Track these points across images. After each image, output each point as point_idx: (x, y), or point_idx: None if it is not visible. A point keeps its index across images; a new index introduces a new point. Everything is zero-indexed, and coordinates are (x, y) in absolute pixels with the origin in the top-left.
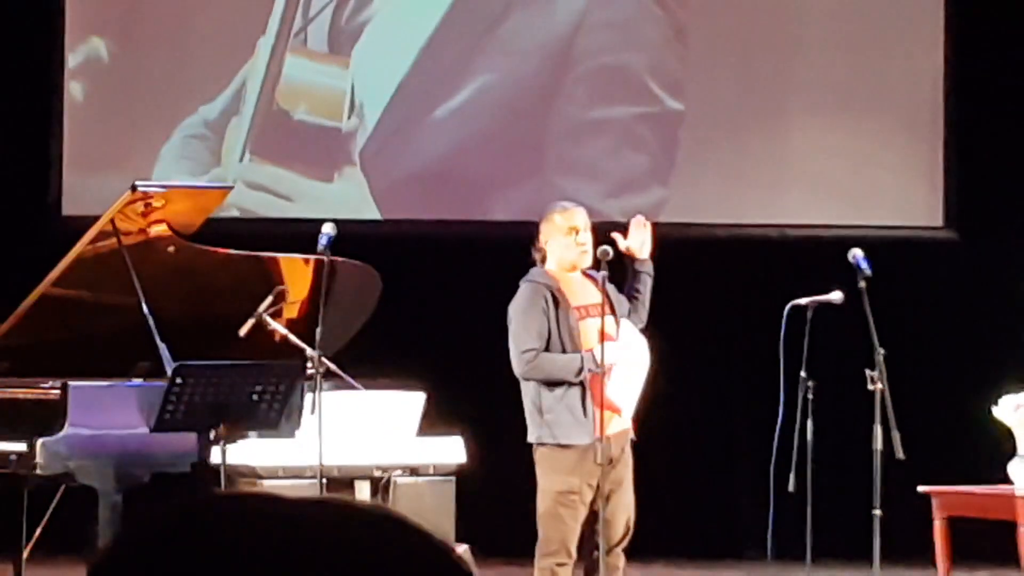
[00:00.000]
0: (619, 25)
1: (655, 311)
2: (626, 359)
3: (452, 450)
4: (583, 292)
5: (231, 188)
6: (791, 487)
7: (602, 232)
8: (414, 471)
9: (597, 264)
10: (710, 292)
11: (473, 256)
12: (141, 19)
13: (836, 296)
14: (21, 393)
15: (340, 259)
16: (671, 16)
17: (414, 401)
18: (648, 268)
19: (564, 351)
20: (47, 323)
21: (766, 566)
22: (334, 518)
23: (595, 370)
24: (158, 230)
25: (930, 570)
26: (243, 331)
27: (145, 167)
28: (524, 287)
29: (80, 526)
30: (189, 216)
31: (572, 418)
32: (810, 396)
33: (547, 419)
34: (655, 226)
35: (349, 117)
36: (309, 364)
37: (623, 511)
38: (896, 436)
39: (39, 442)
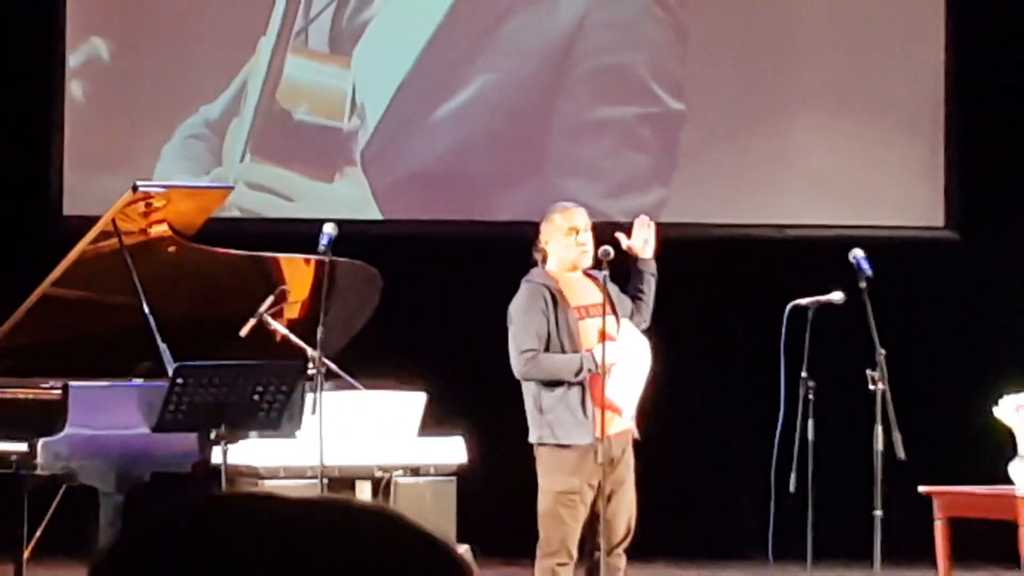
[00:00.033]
0: (620, 25)
1: (656, 311)
2: (626, 359)
3: (453, 450)
4: (584, 292)
5: (232, 188)
6: (792, 487)
7: (603, 232)
8: (415, 471)
9: (598, 264)
10: (711, 292)
11: (474, 256)
12: (142, 19)
13: (837, 296)
14: (22, 393)
15: (341, 259)
16: (672, 16)
17: (415, 401)
18: (651, 268)
19: (564, 351)
20: (48, 323)
21: (767, 566)
22: (335, 518)
23: (594, 370)
24: (159, 230)
25: (931, 571)
26: (244, 331)
27: (146, 167)
28: (524, 287)
29: (81, 526)
30: (190, 216)
31: (572, 418)
32: (811, 396)
33: (548, 419)
34: (657, 226)
35: (350, 117)
36: (310, 364)
37: (624, 512)
38: (897, 436)
39: (40, 442)
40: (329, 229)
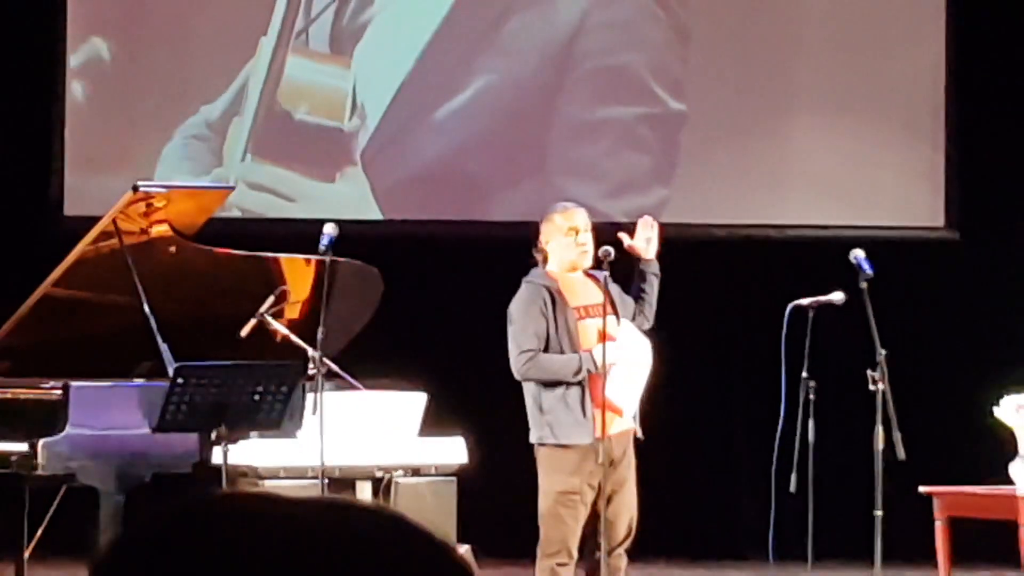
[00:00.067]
0: (620, 26)
1: (657, 312)
2: (626, 359)
3: (453, 450)
4: (584, 292)
5: (233, 188)
6: (792, 487)
7: (603, 232)
8: (415, 471)
9: (599, 264)
10: (711, 293)
11: (474, 256)
12: (142, 19)
13: (837, 296)
14: (23, 393)
15: (342, 259)
16: (672, 17)
17: (415, 401)
18: (654, 268)
19: (563, 352)
20: (49, 323)
21: (767, 566)
22: (335, 518)
23: (594, 370)
24: (160, 230)
25: (931, 571)
26: (245, 331)
27: (147, 167)
28: (523, 288)
29: (81, 526)
30: (191, 216)
31: (573, 418)
32: (811, 396)
33: (548, 419)
34: (660, 226)
35: (351, 117)
36: (310, 364)
37: (625, 512)
38: (897, 437)
39: (40, 442)
40: (330, 229)
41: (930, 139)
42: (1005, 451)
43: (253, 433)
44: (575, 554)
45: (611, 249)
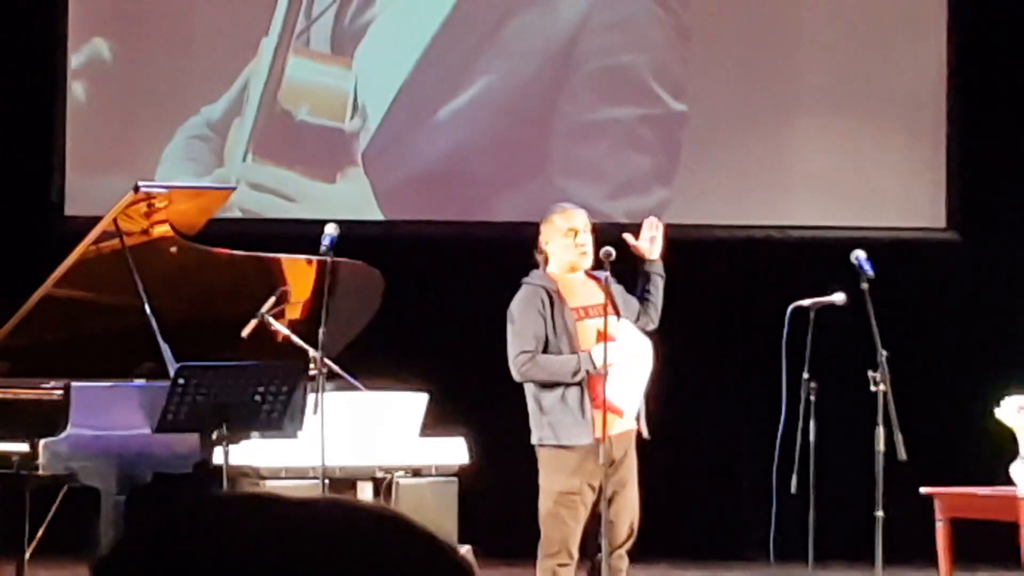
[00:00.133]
0: (621, 26)
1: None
2: (626, 359)
3: (454, 451)
4: (584, 293)
5: (234, 189)
6: (793, 488)
7: (606, 233)
8: (417, 472)
9: (600, 265)
10: (712, 293)
11: (475, 257)
12: (144, 20)
13: (839, 297)
14: (24, 393)
15: (343, 260)
16: (674, 17)
17: (417, 402)
18: (658, 269)
19: (562, 352)
20: (50, 323)
21: (768, 567)
22: (337, 518)
23: (592, 371)
24: (161, 231)
25: (932, 572)
26: (246, 332)
27: (148, 167)
28: (522, 289)
29: (82, 527)
30: (192, 217)
31: (573, 419)
32: (812, 397)
33: (548, 420)
34: (664, 226)
35: (352, 118)
36: (311, 365)
37: (627, 513)
38: (898, 437)
39: (42, 443)
40: (331, 230)
41: (931, 140)
42: (1006, 452)
43: (254, 433)
44: (575, 554)
45: (612, 250)
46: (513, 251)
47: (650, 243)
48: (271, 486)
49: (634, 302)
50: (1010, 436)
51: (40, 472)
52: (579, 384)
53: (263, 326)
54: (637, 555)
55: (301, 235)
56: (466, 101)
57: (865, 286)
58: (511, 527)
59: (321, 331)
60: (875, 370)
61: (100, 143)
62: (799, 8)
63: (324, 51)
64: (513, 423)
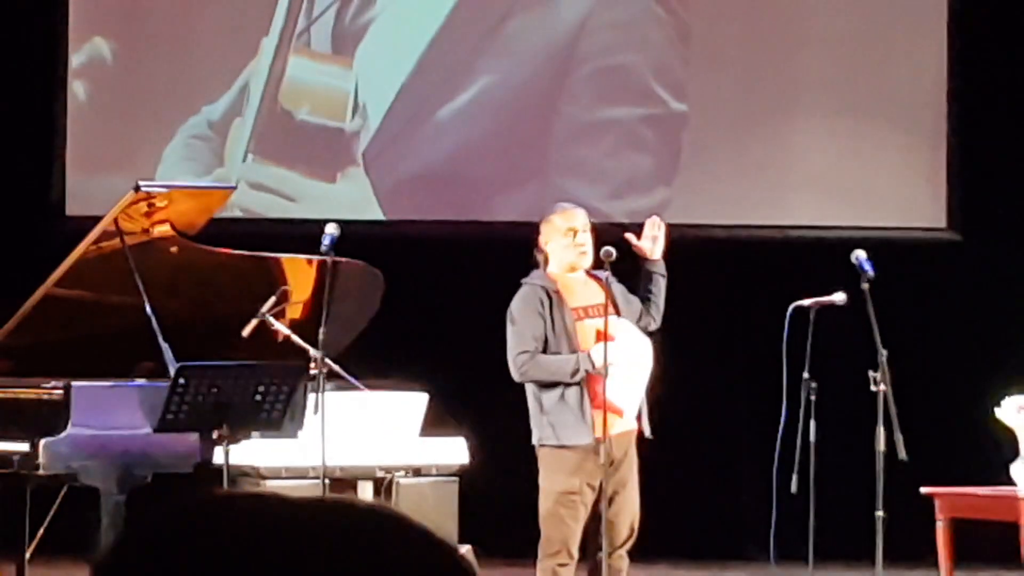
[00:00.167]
0: (622, 26)
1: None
2: (626, 359)
3: (455, 451)
4: (585, 293)
5: (234, 188)
6: (794, 488)
7: (607, 233)
8: (417, 472)
9: (601, 265)
10: (713, 293)
11: (476, 257)
12: (144, 19)
13: (839, 297)
14: (24, 393)
15: (343, 259)
16: (674, 17)
17: (417, 402)
18: (660, 268)
19: (561, 353)
20: (50, 323)
21: (768, 567)
22: (337, 518)
23: (591, 370)
24: (161, 230)
25: (932, 572)
26: (246, 331)
27: (148, 167)
28: (521, 290)
29: (83, 527)
30: (192, 216)
31: (573, 419)
32: (813, 397)
33: (549, 420)
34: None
35: (352, 118)
36: (312, 365)
37: (627, 513)
38: (899, 437)
39: (42, 442)
40: (331, 229)
41: (931, 140)
42: (1006, 452)
43: (255, 433)
44: (575, 554)
45: (612, 249)
46: (513, 251)
47: (652, 243)
48: (271, 486)
49: (636, 302)
50: (1010, 436)
51: (40, 472)
52: (578, 384)
53: (263, 326)
54: (637, 555)
55: (301, 235)
56: (467, 101)
57: (865, 286)
58: (511, 527)
59: (321, 331)
60: (875, 370)
61: (100, 143)
62: (799, 8)
63: (325, 51)
64: (513, 423)
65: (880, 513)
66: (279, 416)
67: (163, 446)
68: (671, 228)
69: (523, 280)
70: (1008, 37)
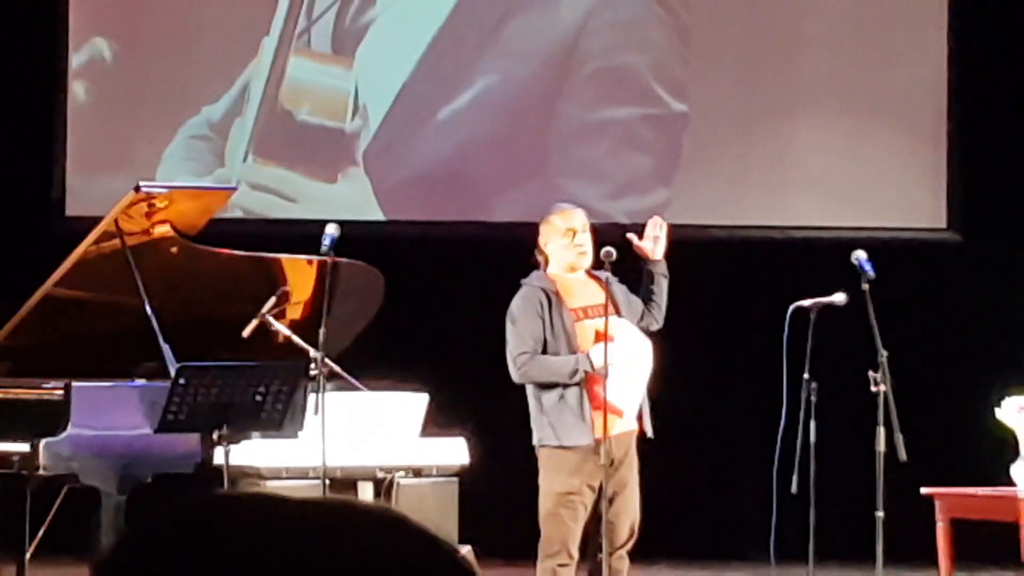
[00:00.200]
0: (622, 26)
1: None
2: (625, 360)
3: (455, 451)
4: (585, 293)
5: (235, 189)
6: (794, 489)
7: (608, 233)
8: (417, 472)
9: (601, 265)
10: (713, 294)
11: (476, 257)
12: (145, 19)
13: (839, 298)
14: (24, 393)
15: (343, 260)
16: (675, 18)
17: (417, 402)
18: (662, 269)
19: (560, 354)
20: (50, 324)
21: (769, 568)
22: (337, 519)
23: (590, 371)
24: (161, 231)
25: (933, 572)
26: (246, 332)
27: (149, 168)
28: (520, 291)
29: (83, 527)
30: (193, 217)
31: (573, 419)
32: (813, 398)
33: (549, 420)
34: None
35: (352, 118)
36: (312, 365)
37: (627, 514)
38: (899, 438)
39: (42, 443)
40: (331, 230)
41: (932, 140)
42: (1007, 452)
43: (255, 434)
44: (575, 554)
45: (612, 250)
46: (513, 251)
47: (654, 243)
48: (272, 486)
49: (637, 302)
50: (1010, 437)
51: (41, 472)
52: (578, 384)
53: (264, 326)
54: (637, 555)
55: (302, 235)
56: (467, 101)
57: (866, 286)
58: (511, 527)
59: (322, 331)
60: (875, 370)
61: (101, 143)
62: (799, 8)
63: (325, 51)
64: (513, 423)
65: (880, 513)
66: (279, 416)
67: (163, 446)
68: (671, 228)
69: (523, 281)
70: (1008, 37)
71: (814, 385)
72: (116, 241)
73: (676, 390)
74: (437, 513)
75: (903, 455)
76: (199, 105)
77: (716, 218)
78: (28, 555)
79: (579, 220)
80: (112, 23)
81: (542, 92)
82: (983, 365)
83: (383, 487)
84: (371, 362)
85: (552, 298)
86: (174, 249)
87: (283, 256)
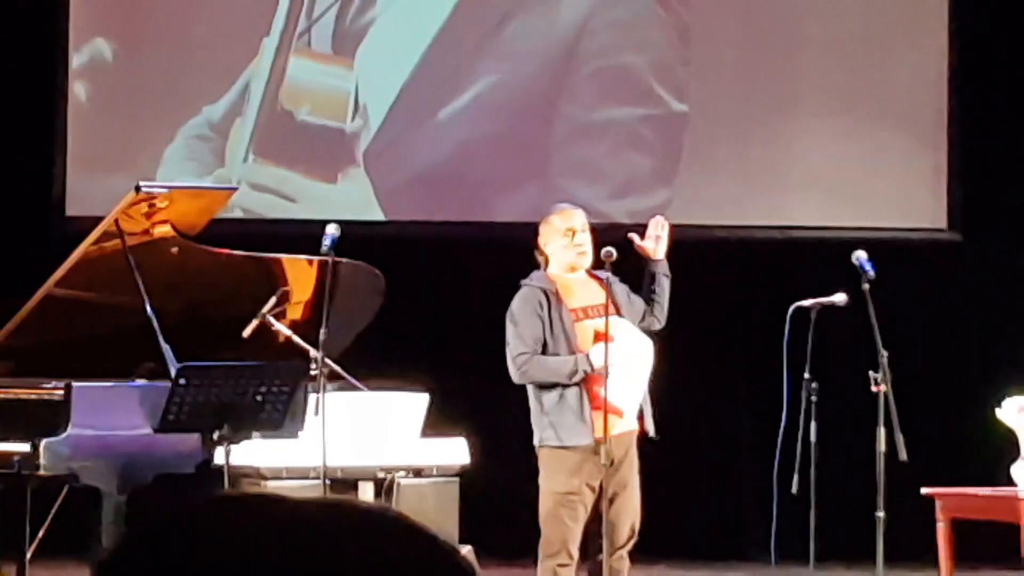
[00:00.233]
0: (623, 27)
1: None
2: (626, 359)
3: (455, 451)
4: (585, 293)
5: (235, 189)
6: (794, 489)
7: (609, 233)
8: (418, 472)
9: (601, 265)
10: (714, 294)
11: (477, 257)
12: (145, 20)
13: (840, 298)
14: (25, 394)
15: (344, 260)
16: (675, 18)
17: (418, 402)
18: (663, 268)
19: (560, 354)
20: (51, 324)
21: (769, 567)
22: (338, 519)
23: (590, 371)
24: (162, 231)
25: (933, 572)
26: (247, 332)
27: (149, 168)
28: (520, 291)
29: (84, 527)
30: (193, 217)
31: (573, 419)
32: (813, 398)
33: (549, 420)
34: (670, 226)
35: (353, 118)
36: (313, 365)
37: (627, 515)
38: (899, 438)
39: (43, 443)
40: (332, 230)
41: (932, 140)
42: (1007, 453)
43: (255, 434)
44: (576, 555)
45: (612, 250)
46: (513, 251)
47: (656, 242)
48: (272, 486)
49: (639, 302)
50: (1011, 437)
51: (41, 472)
52: (578, 384)
53: (264, 326)
54: (637, 555)
55: (302, 235)
56: (467, 101)
57: (866, 287)
58: (511, 527)
59: (322, 331)
60: (876, 370)
61: (101, 143)
62: (799, 8)
63: (325, 51)
64: (513, 423)
65: (880, 513)
66: (280, 416)
67: (164, 447)
68: (672, 229)
69: (523, 281)
70: (1008, 37)
71: (814, 385)
72: (116, 241)
73: (676, 390)
74: (437, 513)
75: (903, 455)
76: (199, 105)
77: (716, 218)
78: (28, 555)
79: (579, 220)
80: (112, 23)
81: (542, 92)
82: (983, 365)
83: (383, 487)
84: (371, 362)
85: (552, 298)
86: (174, 249)
87: (283, 256)
